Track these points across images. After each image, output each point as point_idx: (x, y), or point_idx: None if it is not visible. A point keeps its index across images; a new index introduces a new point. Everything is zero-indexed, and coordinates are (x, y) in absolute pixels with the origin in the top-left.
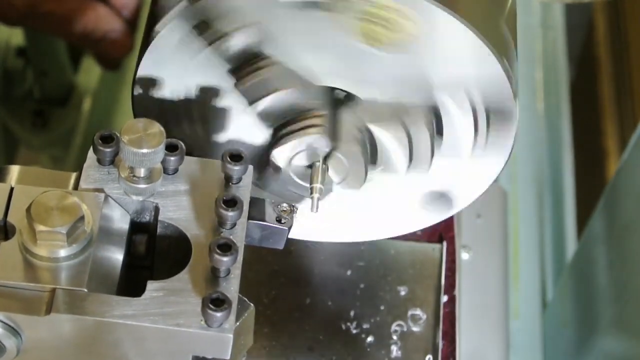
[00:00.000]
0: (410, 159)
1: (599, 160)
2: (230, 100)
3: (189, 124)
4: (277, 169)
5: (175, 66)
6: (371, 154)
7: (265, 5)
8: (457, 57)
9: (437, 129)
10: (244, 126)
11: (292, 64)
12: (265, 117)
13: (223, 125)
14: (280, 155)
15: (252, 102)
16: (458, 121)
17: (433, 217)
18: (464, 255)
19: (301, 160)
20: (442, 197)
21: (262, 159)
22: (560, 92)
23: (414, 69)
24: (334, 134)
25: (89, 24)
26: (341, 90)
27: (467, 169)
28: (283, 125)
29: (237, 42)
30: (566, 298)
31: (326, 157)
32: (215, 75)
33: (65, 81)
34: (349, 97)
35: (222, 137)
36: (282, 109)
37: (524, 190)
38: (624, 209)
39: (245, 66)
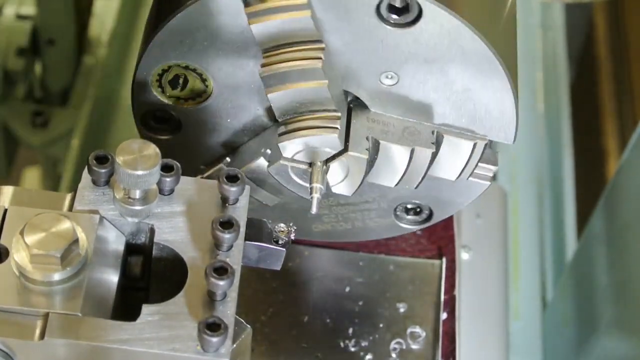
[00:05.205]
0: (402, 177)
1: (599, 160)
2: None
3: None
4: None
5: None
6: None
7: None
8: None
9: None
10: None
11: (332, 60)
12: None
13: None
14: (288, 147)
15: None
16: (456, 147)
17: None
18: (464, 255)
19: (302, 158)
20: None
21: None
22: (560, 92)
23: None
24: (346, 138)
25: None
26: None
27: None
28: (293, 118)
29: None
30: (566, 298)
31: (329, 159)
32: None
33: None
34: (359, 105)
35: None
36: (298, 102)
37: (524, 190)
38: (623, 209)
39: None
